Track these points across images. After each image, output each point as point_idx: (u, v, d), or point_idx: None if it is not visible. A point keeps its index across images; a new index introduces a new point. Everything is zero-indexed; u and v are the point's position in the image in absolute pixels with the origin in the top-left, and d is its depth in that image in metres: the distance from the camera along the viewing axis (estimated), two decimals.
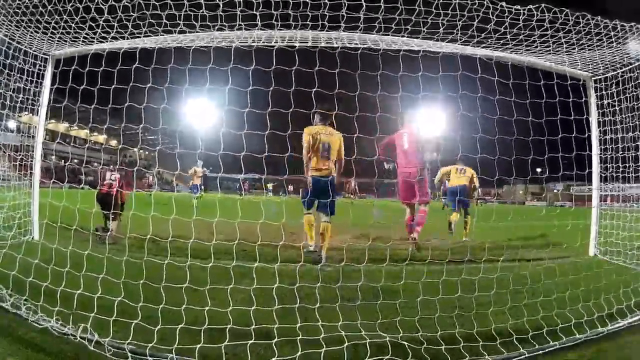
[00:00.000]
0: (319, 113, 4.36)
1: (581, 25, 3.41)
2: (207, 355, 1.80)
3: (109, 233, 4.88)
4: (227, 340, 1.86)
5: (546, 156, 2.93)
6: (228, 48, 2.93)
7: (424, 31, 3.40)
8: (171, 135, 2.72)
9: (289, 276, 3.15)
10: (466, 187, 7.22)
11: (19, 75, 4.32)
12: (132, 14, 3.00)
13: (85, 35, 3.87)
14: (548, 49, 3.94)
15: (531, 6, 3.16)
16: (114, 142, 63.79)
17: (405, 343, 1.93)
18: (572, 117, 3.10)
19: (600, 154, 4.77)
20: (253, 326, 2.04)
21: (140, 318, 2.00)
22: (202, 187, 14.58)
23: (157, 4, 2.90)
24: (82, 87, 2.66)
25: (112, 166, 6.10)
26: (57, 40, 4.09)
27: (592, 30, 3.52)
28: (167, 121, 2.54)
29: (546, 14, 3.19)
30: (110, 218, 5.09)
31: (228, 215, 2.58)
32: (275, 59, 2.55)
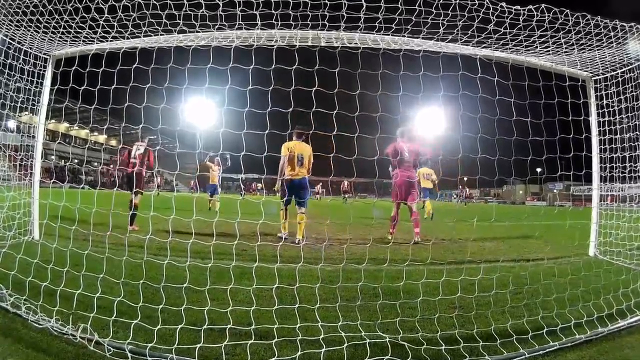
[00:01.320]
0: (295, 132, 5.73)
1: (581, 25, 3.40)
2: (207, 356, 1.80)
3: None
4: (227, 340, 1.86)
5: (545, 156, 2.93)
6: (228, 47, 2.93)
7: (424, 31, 3.40)
8: (171, 135, 2.72)
9: (288, 276, 3.15)
10: (432, 189, 11.52)
11: (19, 75, 4.32)
12: (132, 13, 3.00)
13: (86, 35, 3.87)
14: (548, 49, 3.94)
15: (531, 6, 3.16)
16: (113, 142, 63.80)
17: (405, 343, 1.93)
18: (572, 118, 3.10)
19: (600, 154, 4.77)
20: (253, 326, 2.04)
21: (140, 318, 2.00)
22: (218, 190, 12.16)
23: (157, 3, 2.90)
24: (82, 88, 2.65)
25: (138, 143, 6.85)
26: (57, 40, 4.09)
27: (592, 30, 3.52)
28: (166, 121, 2.53)
29: (546, 14, 3.19)
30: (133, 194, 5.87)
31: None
32: (275, 59, 2.55)
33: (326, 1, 2.87)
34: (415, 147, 6.24)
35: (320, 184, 41.28)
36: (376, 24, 3.28)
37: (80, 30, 3.74)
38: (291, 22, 3.03)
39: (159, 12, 2.98)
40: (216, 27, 3.24)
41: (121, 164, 6.65)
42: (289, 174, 5.69)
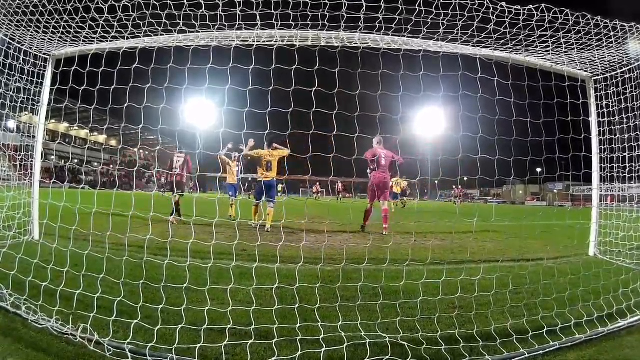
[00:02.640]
0: (267, 143, 7.17)
1: (581, 25, 3.40)
2: (207, 356, 1.80)
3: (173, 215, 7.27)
4: (227, 340, 1.86)
5: (544, 157, 2.93)
6: (228, 47, 2.93)
7: (424, 31, 3.40)
8: (171, 135, 2.73)
9: (288, 276, 3.15)
10: (400, 193, 19.06)
11: (19, 75, 4.32)
12: (132, 13, 3.00)
13: (85, 35, 3.87)
14: (548, 49, 3.94)
15: (531, 6, 3.16)
16: (113, 142, 63.81)
17: (405, 343, 1.93)
18: (571, 118, 3.11)
19: (600, 154, 4.77)
20: (253, 326, 2.04)
21: (140, 318, 2.00)
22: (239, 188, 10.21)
23: (157, 4, 2.90)
24: (82, 88, 2.65)
25: (177, 152, 8.17)
26: (57, 40, 4.09)
27: (592, 30, 3.52)
28: (166, 121, 2.54)
29: (546, 14, 3.19)
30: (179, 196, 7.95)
31: None
32: (275, 59, 2.55)
33: (326, 1, 2.87)
34: (390, 154, 7.42)
35: (318, 183, 41.83)
36: (376, 24, 3.28)
37: (80, 30, 3.74)
38: (291, 22, 3.02)
39: (159, 12, 2.98)
40: (216, 27, 3.24)
41: (165, 170, 8.59)
42: (261, 177, 7.19)
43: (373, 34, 3.54)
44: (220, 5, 2.81)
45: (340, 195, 30.86)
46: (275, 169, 7.24)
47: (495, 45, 3.82)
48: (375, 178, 7.29)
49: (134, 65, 2.55)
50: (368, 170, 7.54)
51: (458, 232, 7.42)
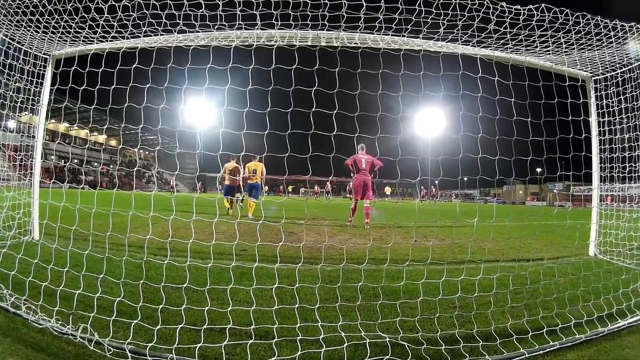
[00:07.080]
0: (250, 156, 8.64)
1: (581, 25, 3.40)
2: (207, 355, 1.80)
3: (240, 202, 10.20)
4: (227, 340, 1.86)
5: (545, 157, 2.93)
6: (228, 47, 2.93)
7: (424, 31, 3.40)
8: (171, 135, 2.72)
9: (288, 276, 3.16)
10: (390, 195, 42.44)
11: (19, 75, 4.32)
12: (132, 13, 3.00)
13: (85, 35, 3.87)
14: (548, 49, 3.94)
15: (531, 6, 3.16)
16: (113, 142, 63.82)
17: (405, 343, 1.93)
18: (572, 118, 3.10)
19: (600, 154, 4.77)
20: (253, 326, 2.04)
21: (140, 318, 2.00)
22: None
23: (157, 3, 2.90)
24: (82, 88, 2.65)
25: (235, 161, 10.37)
26: (57, 40, 4.09)
27: (592, 30, 3.52)
28: (166, 121, 2.54)
29: (546, 14, 3.19)
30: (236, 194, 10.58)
31: None
32: (275, 59, 2.55)
33: (326, 1, 2.86)
34: (371, 159, 8.48)
35: (316, 186, 42.29)
36: (376, 24, 3.28)
37: (80, 30, 3.74)
38: (291, 22, 3.02)
39: (159, 12, 2.98)
40: (216, 27, 3.23)
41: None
42: (248, 180, 9.36)
43: (373, 34, 3.54)
44: (220, 5, 2.81)
45: (330, 195, 35.87)
46: (259, 175, 9.55)
47: (495, 45, 3.81)
48: (357, 180, 8.36)
49: (134, 65, 2.55)
50: (352, 174, 8.62)
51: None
